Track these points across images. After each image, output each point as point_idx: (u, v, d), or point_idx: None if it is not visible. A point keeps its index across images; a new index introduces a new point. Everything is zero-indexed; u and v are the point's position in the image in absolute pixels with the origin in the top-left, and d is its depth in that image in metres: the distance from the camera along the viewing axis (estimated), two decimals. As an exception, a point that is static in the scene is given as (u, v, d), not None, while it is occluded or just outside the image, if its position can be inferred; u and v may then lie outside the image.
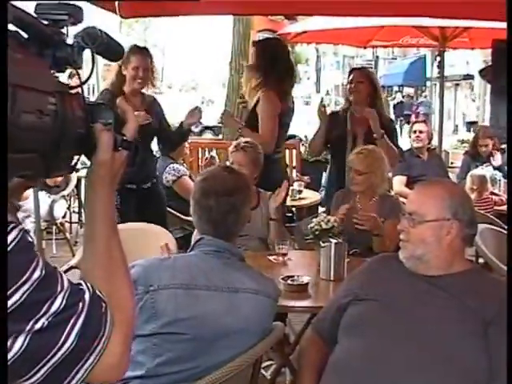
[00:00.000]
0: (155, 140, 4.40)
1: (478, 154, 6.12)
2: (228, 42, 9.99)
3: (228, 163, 3.68)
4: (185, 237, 4.24)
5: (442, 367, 1.76)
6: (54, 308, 0.87)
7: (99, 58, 1.03)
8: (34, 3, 0.92)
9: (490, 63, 3.45)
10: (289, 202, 5.38)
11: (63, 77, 0.97)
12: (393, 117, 26.51)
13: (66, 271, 3.08)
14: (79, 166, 1.04)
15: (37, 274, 0.85)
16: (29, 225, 4.56)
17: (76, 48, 0.95)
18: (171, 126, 4.41)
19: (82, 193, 6.57)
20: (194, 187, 2.21)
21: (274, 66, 4.17)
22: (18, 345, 0.84)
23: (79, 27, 0.97)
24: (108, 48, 1.01)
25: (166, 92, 29.07)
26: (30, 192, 4.06)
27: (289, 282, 2.76)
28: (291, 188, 5.71)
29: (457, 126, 26.00)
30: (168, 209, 4.55)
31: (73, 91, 0.96)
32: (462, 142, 11.67)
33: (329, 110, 4.74)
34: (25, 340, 0.85)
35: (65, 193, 5.90)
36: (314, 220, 3.18)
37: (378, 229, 3.35)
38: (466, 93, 26.00)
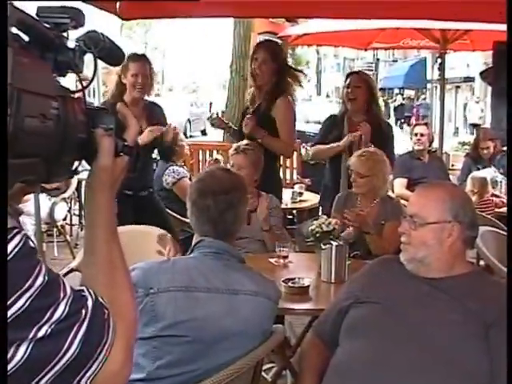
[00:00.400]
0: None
1: (480, 156, 6.11)
2: (229, 45, 10.01)
3: (229, 166, 3.68)
4: (185, 239, 4.24)
5: (444, 369, 1.76)
6: (56, 315, 0.85)
7: (98, 62, 1.03)
8: (35, 7, 0.92)
9: (490, 65, 3.45)
10: (289, 205, 5.39)
11: (68, 80, 0.96)
12: (393, 119, 26.64)
13: (66, 274, 3.08)
14: (79, 168, 1.03)
15: (40, 281, 0.84)
16: (29, 227, 4.55)
17: (78, 52, 0.94)
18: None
19: (82, 195, 6.57)
20: (190, 189, 2.19)
21: (287, 69, 4.23)
22: (20, 353, 0.82)
23: (80, 31, 0.96)
24: (110, 52, 1.00)
25: (166, 94, 29.05)
26: (30, 195, 4.06)
27: (290, 284, 2.76)
28: (292, 190, 5.73)
29: (457, 128, 26.03)
30: (168, 211, 4.55)
31: (74, 95, 0.95)
32: (463, 144, 11.67)
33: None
34: (27, 348, 0.83)
35: (65, 195, 5.89)
36: (315, 222, 3.17)
37: (366, 226, 3.36)
38: (467, 95, 26.02)
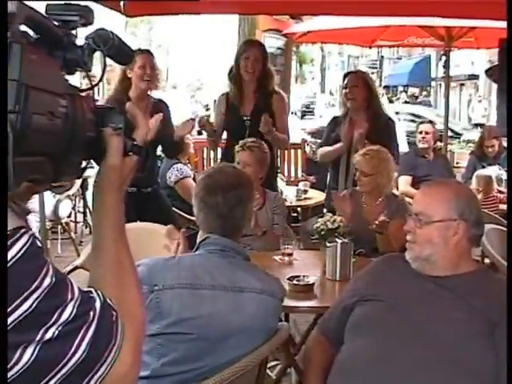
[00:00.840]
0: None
1: (484, 154, 6.10)
2: (233, 42, 9.99)
3: (235, 163, 3.68)
4: (190, 237, 4.23)
5: (449, 367, 1.76)
6: (64, 317, 0.83)
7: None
8: (44, 4, 0.91)
9: (495, 63, 3.44)
10: (294, 202, 5.39)
11: (73, 78, 0.96)
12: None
13: (70, 271, 3.08)
14: (85, 165, 1.03)
15: (47, 282, 0.82)
16: (34, 224, 4.56)
17: (87, 50, 0.94)
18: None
19: (87, 193, 6.58)
20: (197, 186, 2.17)
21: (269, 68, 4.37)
22: (27, 356, 0.80)
23: (88, 29, 0.96)
24: (119, 51, 1.00)
25: (171, 92, 29.01)
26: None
27: (294, 282, 2.76)
28: (296, 188, 5.73)
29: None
30: (173, 208, 4.54)
31: (83, 94, 0.95)
32: (468, 142, 11.65)
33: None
34: (34, 350, 0.81)
35: (70, 192, 5.89)
36: (320, 220, 3.18)
37: (383, 227, 3.36)
38: (471, 92, 25.95)
